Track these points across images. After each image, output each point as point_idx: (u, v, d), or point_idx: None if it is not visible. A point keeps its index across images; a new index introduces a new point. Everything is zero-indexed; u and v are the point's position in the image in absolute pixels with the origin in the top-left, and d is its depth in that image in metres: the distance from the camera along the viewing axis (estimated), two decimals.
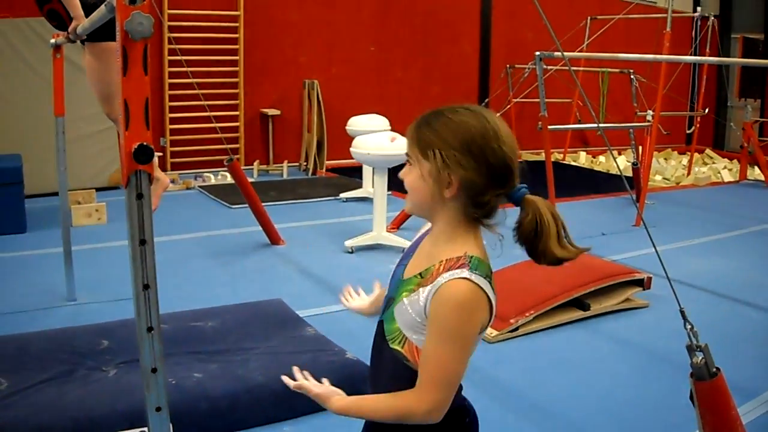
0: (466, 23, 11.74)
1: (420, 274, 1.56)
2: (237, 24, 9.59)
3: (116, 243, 6.09)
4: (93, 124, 8.12)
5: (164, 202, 7.81)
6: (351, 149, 6.17)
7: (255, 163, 9.47)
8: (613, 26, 11.96)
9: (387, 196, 6.23)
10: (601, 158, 12.10)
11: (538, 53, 6.86)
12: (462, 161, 1.49)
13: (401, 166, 1.65)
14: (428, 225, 1.69)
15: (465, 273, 1.46)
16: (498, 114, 1.68)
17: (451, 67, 11.60)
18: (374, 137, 6.07)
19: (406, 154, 1.63)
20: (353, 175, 9.17)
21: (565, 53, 7.72)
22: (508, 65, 11.69)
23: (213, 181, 8.93)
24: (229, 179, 8.98)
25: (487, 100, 11.43)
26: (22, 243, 6.28)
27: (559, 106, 11.48)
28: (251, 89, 9.84)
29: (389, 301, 1.63)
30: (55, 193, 7.74)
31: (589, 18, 11.98)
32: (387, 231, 6.27)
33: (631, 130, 8.61)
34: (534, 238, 1.52)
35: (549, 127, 7.03)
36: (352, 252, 6.13)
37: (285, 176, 9.49)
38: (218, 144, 9.64)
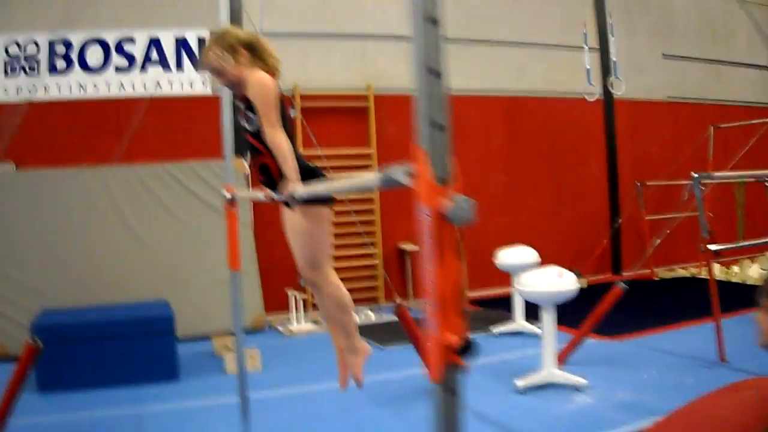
0: (592, 144, 11.64)
1: None
2: (371, 162, 9.73)
3: (277, 392, 6.01)
4: None
5: (313, 345, 7.83)
6: (518, 287, 6.01)
7: (397, 300, 9.36)
8: (737, 132, 11.71)
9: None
10: (735, 268, 11.57)
11: (695, 174, 6.64)
12: None
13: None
14: None
15: None
16: None
17: (580, 189, 11.45)
18: (542, 274, 5.89)
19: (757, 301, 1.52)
20: (496, 306, 8.96)
21: (715, 174, 7.53)
22: (637, 182, 11.45)
23: (358, 320, 8.81)
24: (373, 318, 8.92)
25: (619, 220, 11.22)
26: (177, 392, 6.27)
27: (691, 220, 11.16)
28: (388, 224, 9.87)
29: None
30: (201, 338, 7.92)
31: (711, 127, 11.75)
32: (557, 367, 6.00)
33: None
34: None
35: (711, 247, 6.72)
36: (524, 392, 5.86)
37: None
38: (359, 281, 9.67)
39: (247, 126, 3.39)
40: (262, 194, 3.56)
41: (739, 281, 10.82)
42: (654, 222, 11.29)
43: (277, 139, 3.21)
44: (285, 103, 3.45)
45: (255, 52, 3.40)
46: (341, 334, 3.70)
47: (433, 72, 1.63)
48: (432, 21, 1.63)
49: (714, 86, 12.76)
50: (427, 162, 1.62)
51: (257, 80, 3.28)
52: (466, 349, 1.63)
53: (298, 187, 3.10)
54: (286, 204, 3.25)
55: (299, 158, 3.37)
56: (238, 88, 3.43)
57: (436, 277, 1.66)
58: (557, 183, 11.10)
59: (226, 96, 4.60)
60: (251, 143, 3.42)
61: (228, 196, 4.44)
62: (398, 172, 1.72)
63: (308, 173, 3.33)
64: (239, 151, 5.96)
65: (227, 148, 4.56)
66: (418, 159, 1.64)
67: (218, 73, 3.42)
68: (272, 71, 3.41)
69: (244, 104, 3.39)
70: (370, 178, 1.94)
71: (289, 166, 3.18)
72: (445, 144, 1.63)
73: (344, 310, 3.58)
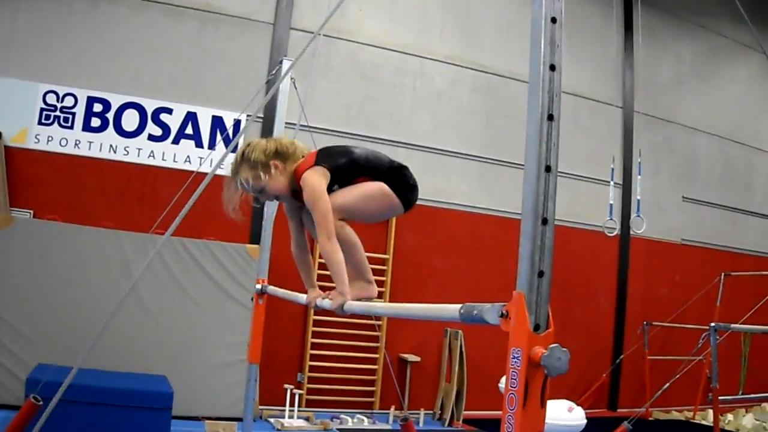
0: (604, 277, 11.68)
1: None
2: (385, 267, 9.72)
3: None
4: (235, 354, 8.13)
5: None
6: None
7: (391, 409, 9.20)
8: (747, 281, 11.76)
9: None
10: (729, 416, 11.39)
11: (713, 324, 6.65)
12: None
13: None
14: None
15: None
16: None
17: (586, 320, 11.40)
18: (552, 406, 5.81)
19: None
20: (492, 428, 8.76)
21: (733, 325, 7.52)
22: (645, 321, 11.41)
23: (350, 423, 8.68)
24: (366, 424, 8.75)
25: (621, 356, 11.13)
26: None
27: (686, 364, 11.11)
28: (392, 333, 9.79)
29: None
30: (194, 418, 7.77)
31: (723, 274, 11.78)
32: None
33: None
34: None
35: (720, 397, 6.66)
36: None
37: (421, 425, 9.16)
38: (356, 385, 9.53)
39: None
40: (301, 295, 3.50)
41: (732, 429, 10.66)
42: (654, 362, 11.21)
43: (330, 251, 3.10)
44: None
45: (285, 155, 3.35)
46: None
47: (541, 219, 1.63)
48: (547, 168, 1.64)
49: (729, 233, 12.90)
50: (524, 307, 1.61)
51: (310, 187, 3.19)
52: None
53: (348, 300, 3.05)
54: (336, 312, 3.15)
55: (384, 158, 3.35)
56: (283, 196, 3.40)
57: (517, 422, 1.62)
58: (564, 312, 11.04)
59: None
60: None
61: (258, 287, 4.39)
62: (490, 312, 1.70)
63: (393, 174, 3.31)
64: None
65: (265, 239, 4.54)
66: (516, 303, 1.62)
67: (259, 192, 3.37)
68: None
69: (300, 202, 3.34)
70: (451, 310, 1.91)
71: (340, 279, 3.09)
72: (544, 291, 1.62)
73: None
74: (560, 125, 1.68)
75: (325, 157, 3.29)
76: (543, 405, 1.63)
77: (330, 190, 3.24)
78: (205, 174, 8.91)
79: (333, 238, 3.11)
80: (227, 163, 9.14)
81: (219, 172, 9.01)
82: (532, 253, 1.64)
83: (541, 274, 1.64)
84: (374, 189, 3.27)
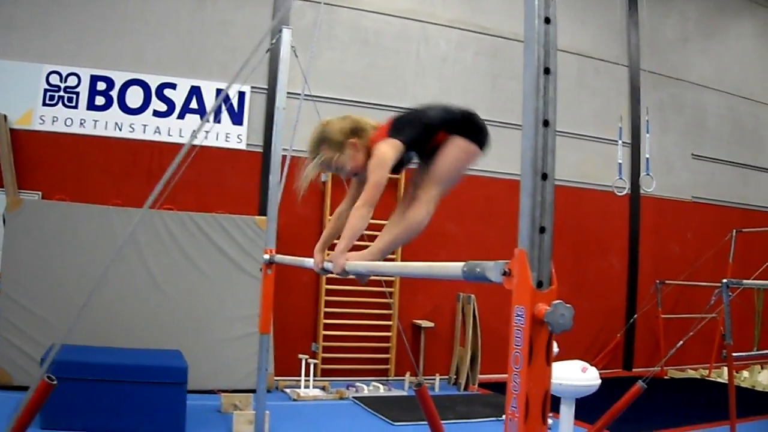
0: (616, 237, 11.64)
1: None
2: None
3: None
4: (248, 326, 8.15)
5: (321, 412, 7.72)
6: None
7: (406, 375, 9.24)
8: (759, 237, 11.72)
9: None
10: (745, 373, 11.39)
11: (725, 280, 6.60)
12: None
13: None
14: None
15: None
16: None
17: (599, 281, 11.39)
18: (566, 366, 5.80)
19: None
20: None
21: (745, 281, 7.47)
22: (657, 280, 11.38)
23: (366, 391, 8.72)
24: (382, 391, 8.79)
25: (635, 316, 11.13)
26: None
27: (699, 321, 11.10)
28: (405, 300, 9.81)
29: None
30: (209, 391, 7.82)
31: (734, 231, 11.73)
32: None
33: None
34: None
35: (734, 354, 6.64)
36: None
37: (437, 390, 9.20)
38: (371, 353, 9.58)
39: None
40: (308, 260, 3.50)
41: (748, 386, 10.67)
42: (668, 321, 11.21)
43: (359, 216, 3.15)
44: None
45: (360, 132, 3.39)
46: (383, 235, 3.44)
47: (541, 174, 1.61)
48: (545, 123, 1.61)
49: (740, 189, 12.82)
50: (526, 264, 1.59)
51: (378, 156, 3.25)
52: None
53: (350, 260, 3.05)
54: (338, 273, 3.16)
55: (454, 110, 3.43)
56: (362, 173, 3.39)
57: (523, 380, 1.61)
58: (577, 273, 11.03)
59: (276, 156, 4.58)
60: None
61: (266, 257, 4.38)
62: (492, 270, 1.69)
63: (466, 123, 3.40)
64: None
65: (272, 209, 4.52)
66: (519, 260, 1.60)
67: (340, 171, 3.41)
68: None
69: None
70: (454, 268, 1.90)
71: (347, 243, 3.12)
72: (546, 247, 1.60)
73: (408, 230, 3.35)
74: (557, 79, 1.66)
75: (398, 128, 3.34)
76: (548, 363, 1.62)
77: (408, 160, 3.39)
78: (216, 148, 9.01)
79: (370, 208, 3.17)
80: (223, 134, 9.17)
81: (217, 144, 9.03)
82: (532, 209, 1.62)
83: (542, 230, 1.62)
84: (458, 152, 3.37)
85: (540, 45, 1.64)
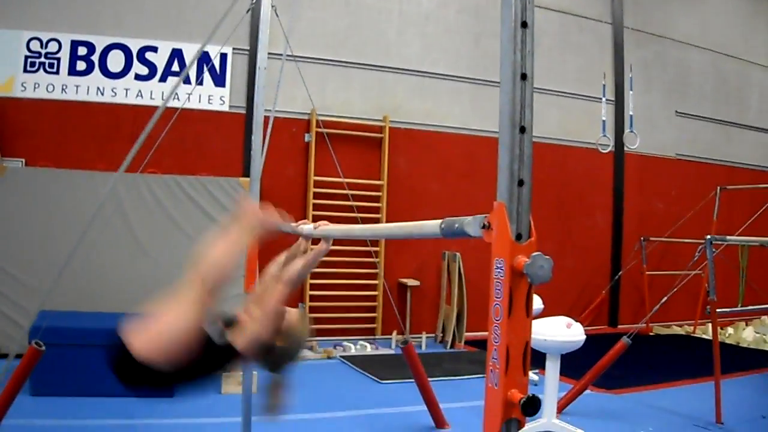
0: (600, 195, 11.70)
1: None
2: (380, 193, 9.73)
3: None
4: (235, 287, 8.09)
5: (308, 371, 7.77)
6: None
7: (393, 334, 9.32)
8: (743, 194, 11.80)
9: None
10: (729, 330, 11.54)
11: (708, 237, 6.66)
12: None
13: None
14: None
15: None
16: None
17: (584, 238, 11.47)
18: (551, 322, 5.86)
19: None
20: None
21: (729, 237, 7.54)
22: (642, 237, 11.47)
23: (353, 350, 8.79)
24: (369, 350, 8.86)
25: (620, 273, 11.22)
26: (171, 408, 6.06)
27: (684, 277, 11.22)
28: (391, 259, 9.86)
29: None
30: None
31: (718, 188, 11.80)
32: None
33: None
34: None
35: (718, 309, 6.72)
36: None
37: (423, 348, 9.29)
38: (357, 312, 9.64)
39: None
40: (290, 223, 3.29)
41: (733, 343, 10.83)
42: (653, 277, 11.32)
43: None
44: None
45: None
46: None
47: (519, 127, 1.62)
48: (522, 76, 1.62)
49: (724, 147, 12.87)
50: (505, 217, 1.60)
51: None
52: (529, 405, 1.61)
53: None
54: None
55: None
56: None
57: (504, 332, 1.64)
58: (562, 231, 11.09)
59: (258, 117, 4.56)
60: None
61: None
62: (471, 224, 1.70)
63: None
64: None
65: (255, 170, 4.51)
66: (497, 213, 1.62)
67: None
68: None
69: None
70: (431, 226, 1.90)
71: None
72: (525, 200, 1.62)
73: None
74: (539, 35, 1.66)
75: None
76: (528, 314, 1.64)
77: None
78: (199, 111, 8.94)
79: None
80: (206, 96, 9.09)
81: (200, 106, 8.93)
82: (510, 163, 1.63)
83: (521, 183, 1.63)
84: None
85: None
